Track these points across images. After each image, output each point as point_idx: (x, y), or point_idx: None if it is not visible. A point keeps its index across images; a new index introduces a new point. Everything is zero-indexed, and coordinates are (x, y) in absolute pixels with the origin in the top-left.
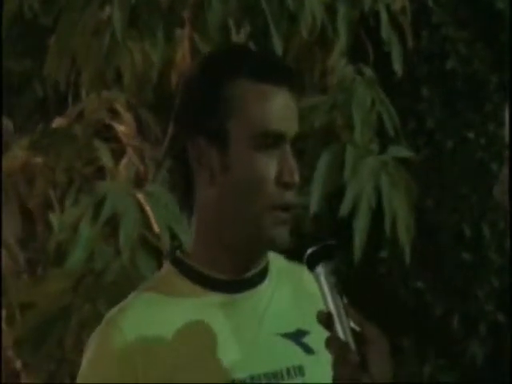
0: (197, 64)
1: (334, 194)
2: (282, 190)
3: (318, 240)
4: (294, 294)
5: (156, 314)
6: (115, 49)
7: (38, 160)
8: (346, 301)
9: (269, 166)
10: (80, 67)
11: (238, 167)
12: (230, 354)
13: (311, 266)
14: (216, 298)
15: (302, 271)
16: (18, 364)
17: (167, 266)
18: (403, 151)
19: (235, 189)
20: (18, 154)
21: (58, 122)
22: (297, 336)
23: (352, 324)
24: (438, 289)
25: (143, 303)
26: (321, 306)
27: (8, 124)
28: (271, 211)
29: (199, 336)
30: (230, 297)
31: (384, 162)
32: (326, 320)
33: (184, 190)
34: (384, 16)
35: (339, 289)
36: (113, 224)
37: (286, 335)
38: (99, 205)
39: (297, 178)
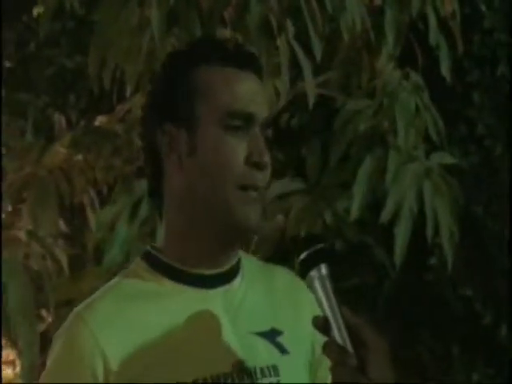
0: (166, 56)
1: (377, 200)
2: (251, 170)
3: (310, 244)
4: (267, 294)
5: (123, 309)
6: (156, 48)
7: (79, 157)
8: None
9: (238, 147)
10: (122, 66)
11: (206, 150)
12: (200, 351)
13: (304, 272)
14: (187, 292)
15: (275, 271)
16: None
17: (137, 261)
18: (447, 157)
19: (203, 171)
20: (59, 150)
21: (100, 120)
22: (271, 335)
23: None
24: (486, 297)
25: (111, 298)
26: (297, 308)
27: (61, 119)
28: (241, 191)
29: (167, 332)
30: (202, 292)
31: (428, 168)
32: (322, 325)
33: (153, 178)
34: (432, 20)
35: (334, 292)
36: (150, 224)
37: (261, 334)
38: (137, 204)
39: (266, 158)
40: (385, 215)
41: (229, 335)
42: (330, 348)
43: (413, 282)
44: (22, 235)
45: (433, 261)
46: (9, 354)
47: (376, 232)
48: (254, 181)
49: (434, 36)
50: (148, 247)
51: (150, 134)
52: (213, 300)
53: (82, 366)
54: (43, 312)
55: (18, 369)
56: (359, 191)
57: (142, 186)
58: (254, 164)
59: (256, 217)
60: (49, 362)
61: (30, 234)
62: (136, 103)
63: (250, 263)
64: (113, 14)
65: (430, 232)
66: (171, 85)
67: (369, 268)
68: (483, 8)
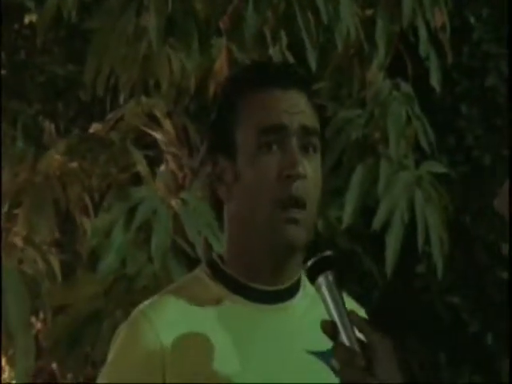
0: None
1: (368, 208)
2: (285, 183)
3: (316, 251)
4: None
5: (187, 313)
6: (152, 56)
7: (74, 165)
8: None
9: (270, 163)
10: (118, 73)
11: (245, 173)
12: (254, 365)
13: (311, 279)
14: (246, 306)
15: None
16: (54, 365)
17: (202, 267)
18: (437, 167)
19: (244, 195)
20: (54, 157)
21: (95, 128)
22: (327, 356)
23: (357, 332)
24: (474, 305)
25: (175, 301)
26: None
27: (50, 127)
28: (280, 209)
29: (224, 343)
30: (261, 306)
31: (419, 177)
32: (330, 329)
33: (216, 209)
34: (423, 32)
35: (342, 297)
36: (145, 230)
37: (317, 354)
38: (132, 211)
39: (300, 168)
40: (376, 223)
41: (284, 352)
42: (338, 350)
43: (400, 290)
44: (18, 241)
45: (420, 269)
46: None
47: (365, 240)
48: (288, 193)
49: (424, 47)
50: (214, 255)
51: (206, 168)
52: (271, 315)
53: (143, 358)
54: (32, 318)
55: (5, 375)
56: (351, 199)
57: (137, 193)
58: (286, 177)
59: (296, 235)
60: (111, 356)
61: (27, 239)
62: (129, 111)
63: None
64: (110, 21)
65: (420, 240)
66: (219, 115)
67: (357, 276)
68: (472, 20)
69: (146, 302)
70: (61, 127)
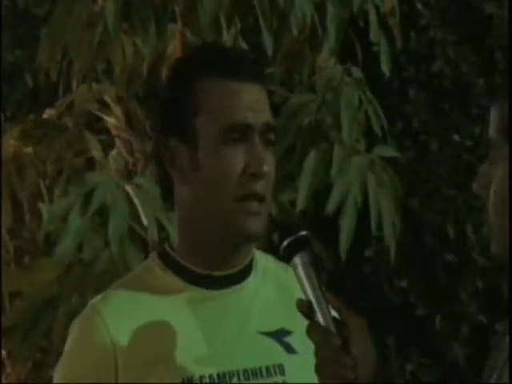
0: (170, 66)
1: (321, 192)
2: (250, 180)
3: (291, 232)
4: (280, 293)
5: (138, 305)
6: (107, 41)
7: (29, 150)
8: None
9: (236, 158)
10: (72, 58)
11: (207, 164)
12: (206, 349)
13: (287, 258)
14: (198, 292)
15: (289, 270)
16: (3, 353)
17: (153, 257)
18: (389, 151)
19: (205, 185)
20: (9, 143)
21: (48, 113)
22: (279, 335)
23: (332, 311)
24: (422, 289)
25: (126, 293)
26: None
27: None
28: (241, 202)
29: (174, 329)
30: (213, 292)
31: (371, 161)
32: (306, 308)
33: (164, 188)
34: (373, 17)
35: (318, 277)
36: (102, 215)
37: (268, 334)
38: (89, 196)
39: (265, 168)
40: (330, 207)
41: (236, 334)
42: (314, 329)
43: (349, 274)
44: None
45: (369, 253)
46: None
47: (315, 224)
48: (252, 190)
49: (375, 32)
50: (165, 245)
51: (155, 146)
52: (222, 300)
53: (95, 356)
54: None
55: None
56: (304, 183)
57: (92, 177)
58: (252, 175)
59: (256, 227)
60: (65, 351)
61: None
62: (79, 96)
63: (264, 262)
64: (66, 6)
65: (373, 224)
66: (173, 98)
67: None
68: (419, 6)
69: (98, 296)
70: (7, 113)
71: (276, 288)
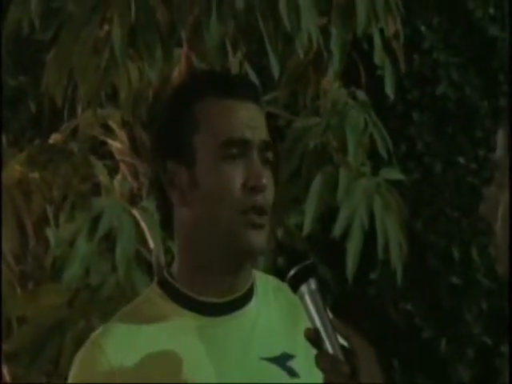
0: (165, 95)
1: (328, 215)
2: (249, 194)
3: (297, 257)
4: (282, 315)
5: (138, 336)
6: (113, 66)
7: (35, 175)
8: (331, 316)
9: (234, 173)
10: (77, 83)
11: (206, 181)
12: (210, 375)
13: (294, 287)
14: (199, 319)
15: (289, 292)
16: (8, 377)
17: (153, 286)
18: (395, 174)
19: (204, 203)
20: (15, 168)
21: (54, 138)
22: (282, 359)
23: (340, 339)
24: (427, 311)
25: (127, 325)
26: (305, 326)
27: (2, 138)
28: (242, 215)
29: (180, 360)
30: (214, 319)
31: (377, 184)
32: (314, 337)
33: (163, 212)
34: (377, 40)
35: (324, 305)
36: (109, 240)
37: (271, 359)
38: (96, 221)
39: (264, 181)
40: (337, 230)
41: (238, 360)
42: (322, 358)
43: (354, 297)
44: None
45: (374, 275)
46: None
47: (321, 247)
48: (253, 203)
49: (379, 55)
50: (165, 273)
51: (154, 170)
52: (223, 326)
53: None
54: None
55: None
56: (311, 207)
57: (98, 202)
58: (252, 188)
59: (258, 240)
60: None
61: None
62: (83, 121)
63: (265, 283)
64: (73, 32)
65: (380, 246)
66: (171, 120)
67: None
68: (423, 28)
69: (99, 330)
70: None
71: (276, 309)
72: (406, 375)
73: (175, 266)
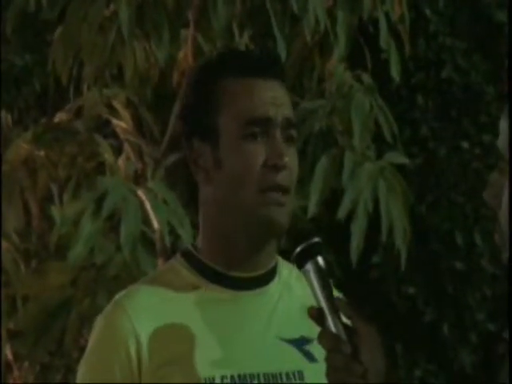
0: (194, 69)
1: (332, 198)
2: (271, 172)
3: (304, 239)
4: (302, 303)
5: (161, 301)
6: (119, 46)
7: (41, 154)
8: (336, 294)
9: (256, 152)
10: (83, 62)
11: (228, 161)
12: (229, 349)
13: (300, 264)
14: (222, 292)
15: None
16: (10, 355)
17: (177, 256)
18: (400, 157)
19: (228, 181)
20: (21, 146)
21: (59, 117)
22: (300, 342)
23: (343, 317)
24: (429, 295)
25: (150, 290)
26: None
27: (7, 117)
28: (264, 193)
29: (197, 328)
30: (236, 293)
31: (381, 167)
32: (317, 315)
33: (188, 190)
34: (383, 23)
35: (330, 283)
36: (114, 219)
37: (289, 341)
38: (101, 200)
39: (285, 159)
40: (341, 213)
41: (257, 337)
42: (324, 336)
43: (357, 280)
44: None
45: (377, 259)
46: None
47: (324, 230)
48: (274, 182)
49: (385, 39)
50: (189, 245)
51: (183, 149)
52: (245, 301)
53: (119, 349)
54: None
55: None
56: (316, 189)
57: (103, 182)
58: (273, 166)
59: (279, 218)
60: (89, 345)
61: None
62: (88, 100)
63: (288, 270)
64: (79, 11)
65: (384, 230)
66: (196, 101)
67: None
68: (428, 12)
69: (122, 292)
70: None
71: (298, 297)
72: (408, 359)
73: (199, 241)
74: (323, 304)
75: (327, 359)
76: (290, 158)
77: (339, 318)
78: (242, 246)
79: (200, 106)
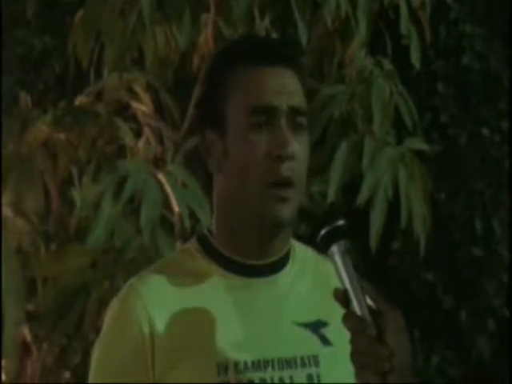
0: (207, 60)
1: (352, 184)
2: (274, 164)
3: (329, 222)
4: (318, 285)
5: (175, 286)
6: (140, 30)
7: (61, 136)
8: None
9: (259, 142)
10: (104, 45)
11: (234, 150)
12: (243, 336)
13: (325, 247)
14: (235, 279)
15: (327, 262)
16: (29, 337)
17: (193, 241)
18: (420, 144)
19: (234, 172)
20: (40, 129)
21: (80, 100)
22: (315, 326)
23: (368, 300)
24: (447, 282)
25: (164, 275)
26: None
27: (27, 99)
28: (269, 189)
29: (213, 315)
30: (250, 280)
31: (401, 153)
32: (342, 297)
33: (205, 176)
34: (404, 10)
35: (354, 266)
36: (134, 202)
37: (304, 325)
38: (121, 183)
39: (289, 149)
40: (361, 198)
41: (271, 323)
42: (349, 318)
43: (376, 267)
44: (8, 212)
45: (396, 246)
46: None
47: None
48: (278, 175)
49: (405, 25)
50: (205, 230)
51: (194, 140)
52: (258, 288)
53: (132, 328)
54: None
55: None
56: (335, 175)
57: (124, 165)
58: (277, 158)
59: (283, 213)
60: (103, 329)
61: (17, 209)
62: (108, 84)
63: (302, 253)
64: None
65: (404, 216)
66: (207, 90)
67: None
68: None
69: (136, 276)
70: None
71: (314, 280)
72: (425, 345)
73: (213, 227)
74: (348, 286)
75: (352, 342)
76: (298, 146)
77: (365, 301)
78: (250, 235)
79: (211, 94)
